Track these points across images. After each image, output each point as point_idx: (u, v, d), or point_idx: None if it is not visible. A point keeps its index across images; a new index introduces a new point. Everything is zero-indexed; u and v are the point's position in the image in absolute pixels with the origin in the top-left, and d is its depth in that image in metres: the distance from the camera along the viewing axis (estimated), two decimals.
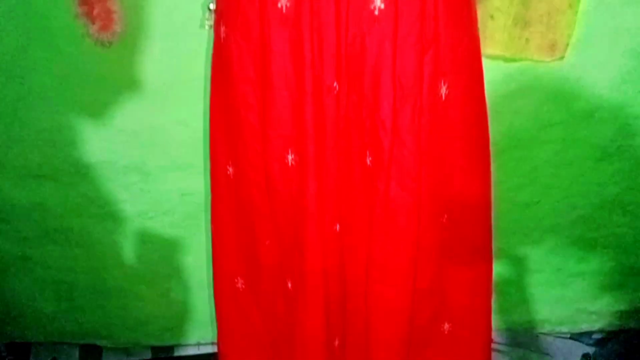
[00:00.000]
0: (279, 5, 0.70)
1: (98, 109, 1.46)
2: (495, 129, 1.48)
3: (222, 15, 0.79)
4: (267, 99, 0.75)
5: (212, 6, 0.82)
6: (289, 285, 0.88)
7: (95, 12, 1.28)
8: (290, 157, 0.77)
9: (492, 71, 1.42)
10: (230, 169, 0.84)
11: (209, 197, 1.34)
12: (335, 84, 0.72)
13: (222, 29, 0.78)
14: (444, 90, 0.76)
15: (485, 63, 1.40)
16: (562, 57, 1.39)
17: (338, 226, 0.80)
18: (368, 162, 0.76)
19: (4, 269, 1.66)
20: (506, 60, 1.40)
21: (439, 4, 0.72)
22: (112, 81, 1.42)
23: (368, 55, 0.71)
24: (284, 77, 0.72)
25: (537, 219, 1.65)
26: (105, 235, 1.60)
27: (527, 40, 1.37)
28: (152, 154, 1.53)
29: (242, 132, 0.80)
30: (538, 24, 1.35)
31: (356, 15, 0.69)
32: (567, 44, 1.37)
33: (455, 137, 0.81)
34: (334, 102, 0.73)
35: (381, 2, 0.69)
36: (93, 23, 1.29)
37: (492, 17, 1.33)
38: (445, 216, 0.86)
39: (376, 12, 0.69)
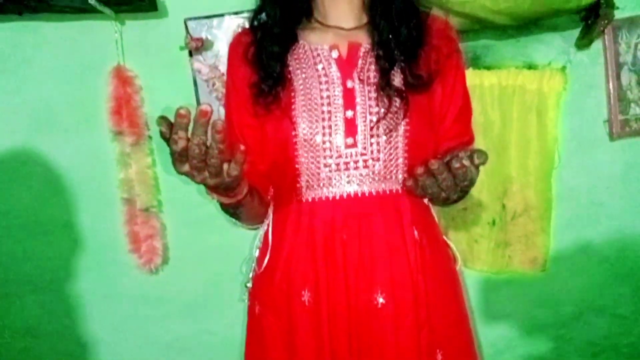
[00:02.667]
0: (303, 298, 0.91)
1: (134, 324, 1.65)
2: (491, 331, 1.65)
3: (257, 296, 1.02)
4: None
5: (249, 284, 1.05)
6: None
7: (142, 249, 1.53)
8: None
9: (482, 281, 1.63)
10: None
11: None
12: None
13: (257, 307, 1.00)
14: (439, 357, 0.94)
15: (475, 274, 1.62)
16: (544, 269, 1.59)
17: None
18: None
19: None
20: (493, 273, 1.60)
21: (429, 293, 0.93)
22: (150, 299, 1.63)
23: (374, 337, 0.90)
24: (306, 351, 0.91)
25: None
26: None
27: (509, 257, 1.58)
28: None
29: None
30: (517, 244, 1.57)
31: (363, 308, 0.91)
32: (546, 260, 1.58)
33: None
34: None
35: (382, 298, 0.91)
36: (140, 258, 1.54)
37: (476, 241, 1.56)
38: None
39: (379, 306, 0.89)
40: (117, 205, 1.53)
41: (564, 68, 1.47)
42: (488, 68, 1.48)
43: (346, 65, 0.91)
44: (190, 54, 1.48)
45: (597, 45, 1.48)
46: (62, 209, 1.58)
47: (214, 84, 1.49)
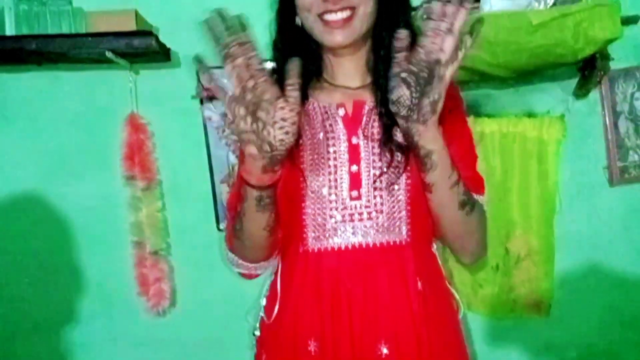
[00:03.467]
0: (309, 348, 0.93)
1: None
2: None
3: (264, 345, 1.05)
4: None
5: (257, 333, 1.07)
6: None
7: (150, 292, 1.56)
8: None
9: (487, 326, 1.64)
10: None
11: None
12: None
13: (264, 356, 1.03)
14: None
15: (479, 318, 1.62)
16: (548, 314, 1.59)
17: None
18: None
19: None
20: (498, 317, 1.61)
21: (433, 343, 0.94)
22: (158, 342, 1.64)
23: None
24: None
25: None
26: None
27: (514, 301, 1.59)
28: None
29: None
30: (521, 288, 1.58)
31: (367, 357, 0.90)
32: (550, 305, 1.58)
33: None
34: None
35: (386, 348, 0.91)
36: (148, 300, 1.56)
37: (480, 286, 1.58)
38: None
39: (383, 356, 0.90)
40: (127, 248, 1.57)
41: (562, 116, 1.52)
42: (489, 116, 1.53)
43: (351, 123, 0.96)
44: (201, 102, 1.54)
45: (594, 94, 1.53)
46: (73, 252, 1.61)
47: (223, 131, 1.55)
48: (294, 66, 0.79)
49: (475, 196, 0.97)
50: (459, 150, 0.96)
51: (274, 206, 0.90)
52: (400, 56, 0.80)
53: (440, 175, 0.87)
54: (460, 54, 0.77)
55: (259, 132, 0.78)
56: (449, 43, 0.76)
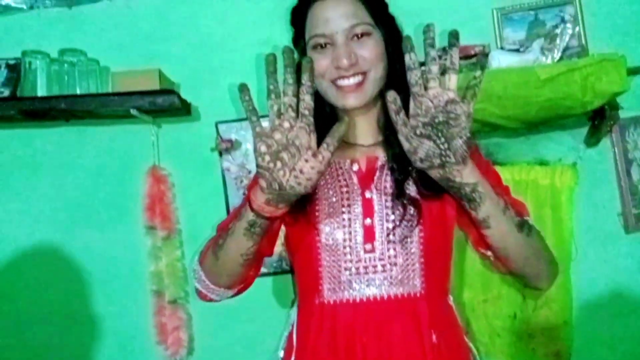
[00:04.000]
0: None
1: None
2: None
3: None
4: None
5: None
6: None
7: (169, 341, 1.58)
8: None
9: None
10: None
11: None
12: None
13: None
14: None
15: None
16: None
17: None
18: None
19: None
20: None
21: None
22: None
23: None
24: None
25: None
26: None
27: (533, 349, 1.57)
28: None
29: None
30: (540, 336, 1.56)
31: None
32: (570, 353, 1.56)
33: None
34: None
35: None
36: (166, 349, 1.58)
37: (498, 335, 1.56)
38: None
39: None
40: (147, 297, 1.59)
41: (574, 164, 1.53)
42: (500, 164, 1.55)
43: (365, 178, 0.99)
44: (220, 154, 1.60)
45: (605, 142, 1.55)
46: (93, 301, 1.64)
47: (241, 181, 1.59)
48: (340, 128, 0.81)
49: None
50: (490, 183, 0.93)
51: (260, 240, 0.91)
52: (400, 117, 0.81)
53: (491, 203, 0.86)
54: (477, 89, 0.79)
55: (273, 170, 0.79)
56: (453, 80, 0.78)
